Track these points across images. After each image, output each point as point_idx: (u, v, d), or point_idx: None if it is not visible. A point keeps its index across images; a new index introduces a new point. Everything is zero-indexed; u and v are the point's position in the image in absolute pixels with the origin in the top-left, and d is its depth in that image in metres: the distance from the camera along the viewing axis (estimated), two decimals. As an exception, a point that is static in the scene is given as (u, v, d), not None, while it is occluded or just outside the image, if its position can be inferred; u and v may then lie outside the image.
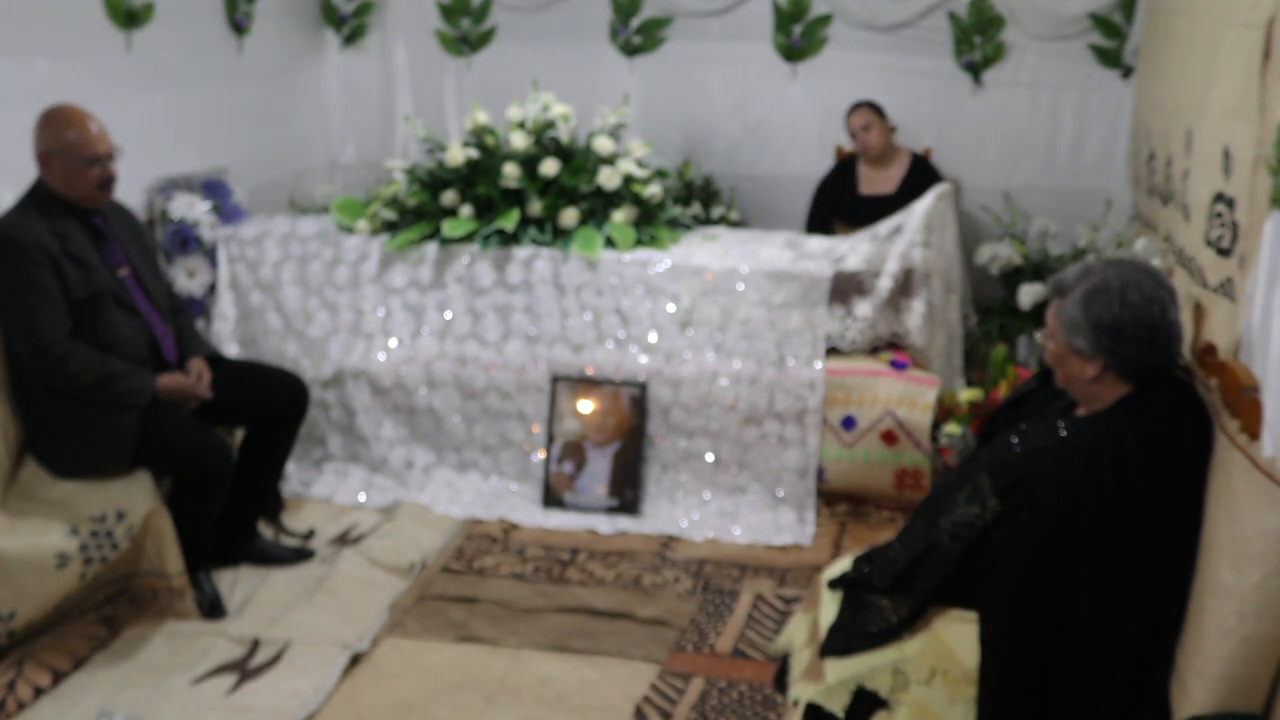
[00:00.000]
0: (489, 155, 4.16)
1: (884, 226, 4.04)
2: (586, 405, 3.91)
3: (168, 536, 3.13)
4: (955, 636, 2.10)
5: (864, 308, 3.88)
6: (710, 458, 3.88)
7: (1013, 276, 4.59)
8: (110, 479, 3.08)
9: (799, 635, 2.43)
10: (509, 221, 4.01)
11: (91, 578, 3.02)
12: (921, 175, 4.75)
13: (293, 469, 4.00)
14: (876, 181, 4.84)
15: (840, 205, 4.86)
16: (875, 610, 2.18)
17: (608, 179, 4.07)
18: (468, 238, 4.06)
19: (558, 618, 3.23)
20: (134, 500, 3.08)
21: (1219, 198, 2.41)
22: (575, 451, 3.91)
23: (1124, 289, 2.08)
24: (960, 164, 5.03)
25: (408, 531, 3.66)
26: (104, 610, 3.15)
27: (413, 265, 4.07)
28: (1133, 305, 2.07)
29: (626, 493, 3.86)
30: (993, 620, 2.06)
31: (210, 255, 4.14)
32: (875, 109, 4.76)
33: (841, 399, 3.80)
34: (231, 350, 4.11)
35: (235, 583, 3.37)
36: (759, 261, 3.94)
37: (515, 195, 4.11)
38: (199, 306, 4.12)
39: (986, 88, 4.97)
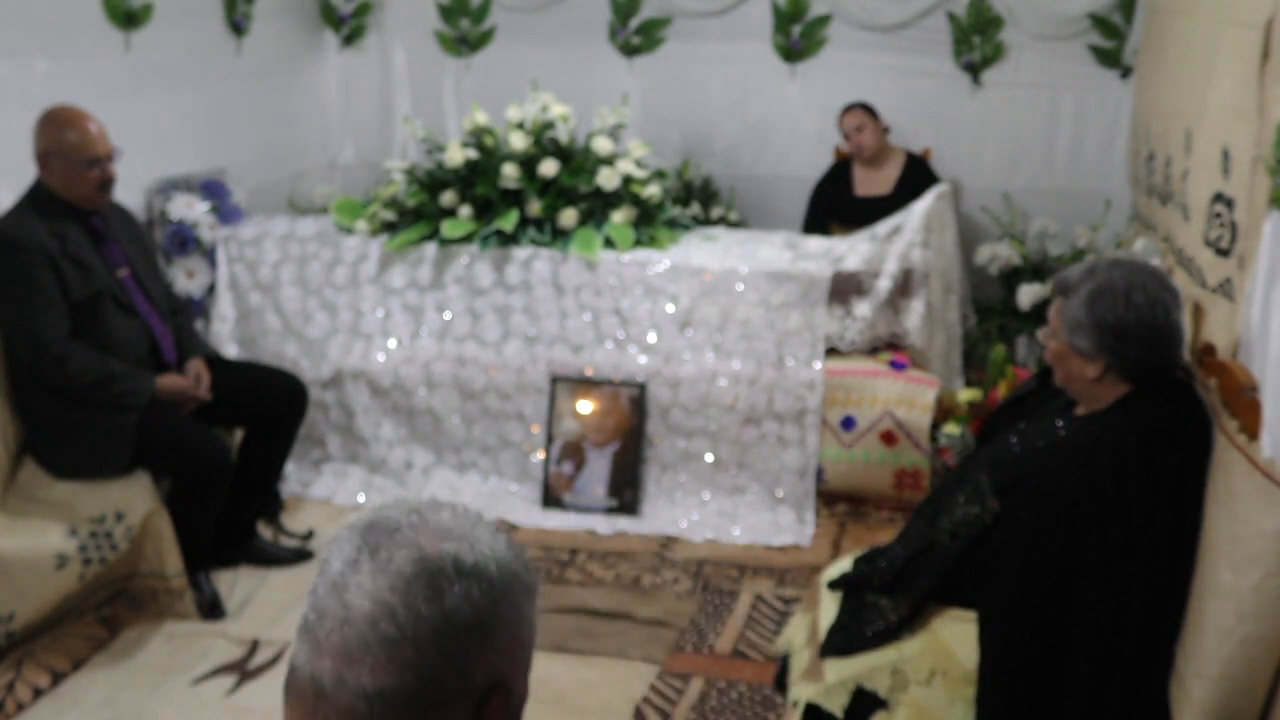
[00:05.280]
0: (488, 156, 4.15)
1: (883, 227, 4.03)
2: (586, 406, 3.91)
3: (167, 537, 3.13)
4: (954, 636, 2.10)
5: (863, 308, 3.88)
6: (709, 458, 3.88)
7: (1012, 277, 4.59)
8: (109, 480, 3.08)
9: (798, 635, 2.43)
10: (508, 222, 4.01)
11: (91, 578, 3.01)
12: (917, 175, 4.74)
13: (292, 469, 4.00)
14: (872, 182, 4.83)
15: (837, 207, 4.86)
16: (875, 610, 2.18)
17: (607, 179, 4.06)
18: (467, 238, 4.05)
19: (557, 618, 3.22)
20: (133, 501, 3.08)
21: (1218, 198, 2.40)
22: (574, 452, 3.91)
23: (1129, 290, 2.07)
24: (959, 164, 5.03)
25: (407, 532, 3.66)
26: (103, 611, 3.14)
27: (412, 266, 4.07)
28: (1137, 307, 2.06)
29: (626, 493, 3.86)
30: (992, 620, 2.06)
31: (209, 256, 4.13)
32: (868, 110, 4.75)
33: (841, 399, 3.80)
34: (230, 351, 4.10)
35: (234, 583, 3.36)
36: (758, 262, 3.94)
37: (514, 196, 4.11)
38: (198, 307, 4.11)
39: (985, 88, 4.97)
